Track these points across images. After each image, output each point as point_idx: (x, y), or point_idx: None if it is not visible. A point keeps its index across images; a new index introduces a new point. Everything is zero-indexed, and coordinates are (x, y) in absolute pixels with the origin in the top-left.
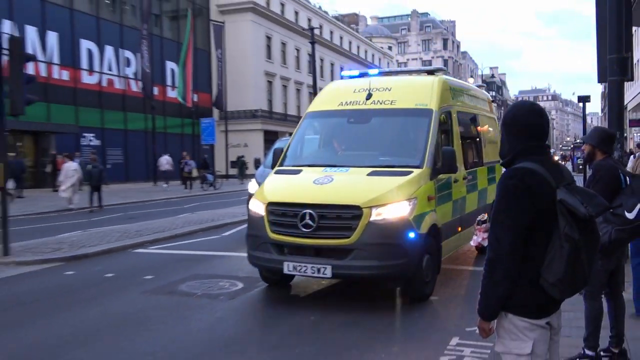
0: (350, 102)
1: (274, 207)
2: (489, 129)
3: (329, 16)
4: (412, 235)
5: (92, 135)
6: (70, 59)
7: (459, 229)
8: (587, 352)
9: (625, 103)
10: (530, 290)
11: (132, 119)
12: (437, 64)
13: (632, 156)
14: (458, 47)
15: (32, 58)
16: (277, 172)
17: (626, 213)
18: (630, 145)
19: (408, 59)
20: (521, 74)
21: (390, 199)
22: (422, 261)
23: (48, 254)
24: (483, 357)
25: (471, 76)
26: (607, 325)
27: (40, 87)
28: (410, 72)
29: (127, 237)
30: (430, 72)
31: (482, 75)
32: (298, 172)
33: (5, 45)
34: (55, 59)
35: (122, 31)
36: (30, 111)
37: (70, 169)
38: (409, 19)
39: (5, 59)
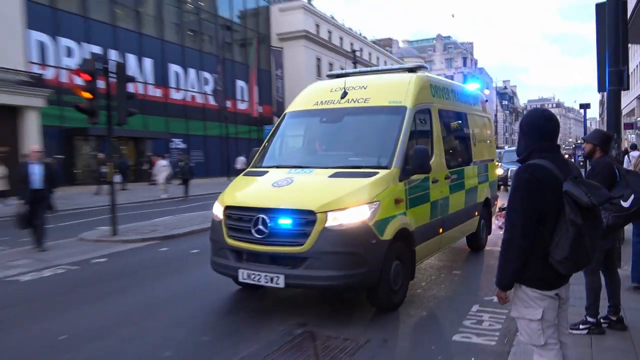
0: (326, 101)
1: (230, 211)
2: (480, 128)
3: (368, 40)
4: (372, 242)
5: (179, 140)
6: (161, 79)
7: (441, 230)
8: (589, 319)
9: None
10: (541, 266)
11: (210, 126)
12: (458, 78)
13: (625, 155)
14: (475, 63)
15: (132, 79)
16: (245, 174)
17: (622, 202)
18: (625, 144)
19: (434, 75)
20: (529, 86)
21: (348, 203)
22: (389, 268)
23: (147, 234)
24: (499, 321)
25: (487, 88)
26: (607, 297)
27: (138, 102)
28: (391, 71)
29: (207, 221)
30: (412, 70)
31: (496, 87)
32: (264, 173)
33: (112, 70)
34: (150, 79)
35: (202, 57)
36: (131, 121)
37: (161, 165)
38: (434, 41)
39: (112, 80)
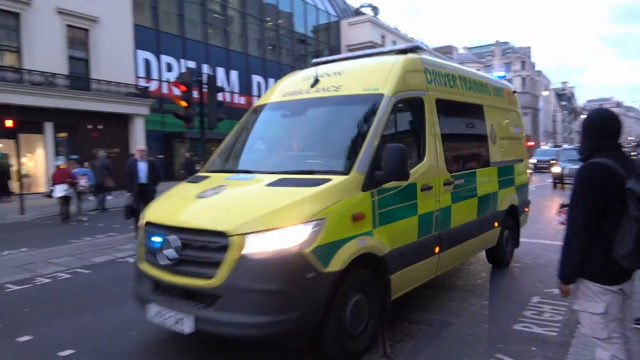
0: (294, 91)
1: (148, 228)
2: (503, 122)
3: (430, 48)
4: (309, 276)
5: None
6: (245, 88)
7: (437, 249)
8: None
9: None
10: (604, 261)
11: None
12: (516, 81)
13: None
14: (533, 66)
15: (221, 89)
16: (188, 180)
17: None
18: None
19: None
20: (588, 86)
21: (276, 222)
22: (343, 308)
23: None
24: (560, 313)
25: (545, 89)
26: None
27: (226, 109)
28: (381, 54)
29: None
30: (404, 52)
31: (554, 88)
32: (203, 179)
33: (205, 81)
34: (236, 89)
35: (280, 68)
36: (220, 126)
37: None
38: (493, 47)
39: (204, 90)
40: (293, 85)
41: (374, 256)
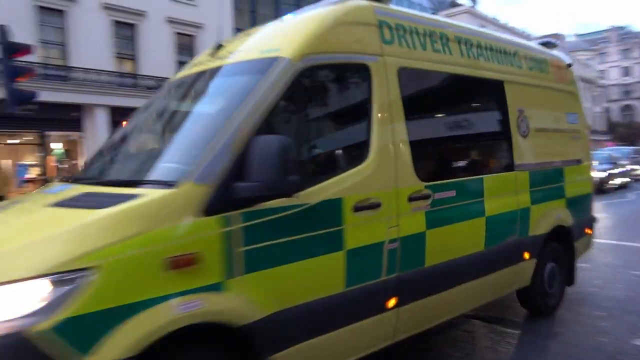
0: (194, 63)
1: None
2: (544, 107)
3: (533, 37)
4: None
5: None
6: None
7: (393, 301)
8: None
9: None
10: None
11: None
12: (636, 69)
13: None
14: None
15: None
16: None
17: None
18: None
19: (607, 67)
20: None
21: None
22: None
23: None
24: None
25: None
26: None
27: None
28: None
29: None
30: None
31: None
32: (41, 191)
33: None
34: None
35: None
36: None
37: None
38: (608, 33)
39: None
40: (201, 54)
41: (224, 325)
